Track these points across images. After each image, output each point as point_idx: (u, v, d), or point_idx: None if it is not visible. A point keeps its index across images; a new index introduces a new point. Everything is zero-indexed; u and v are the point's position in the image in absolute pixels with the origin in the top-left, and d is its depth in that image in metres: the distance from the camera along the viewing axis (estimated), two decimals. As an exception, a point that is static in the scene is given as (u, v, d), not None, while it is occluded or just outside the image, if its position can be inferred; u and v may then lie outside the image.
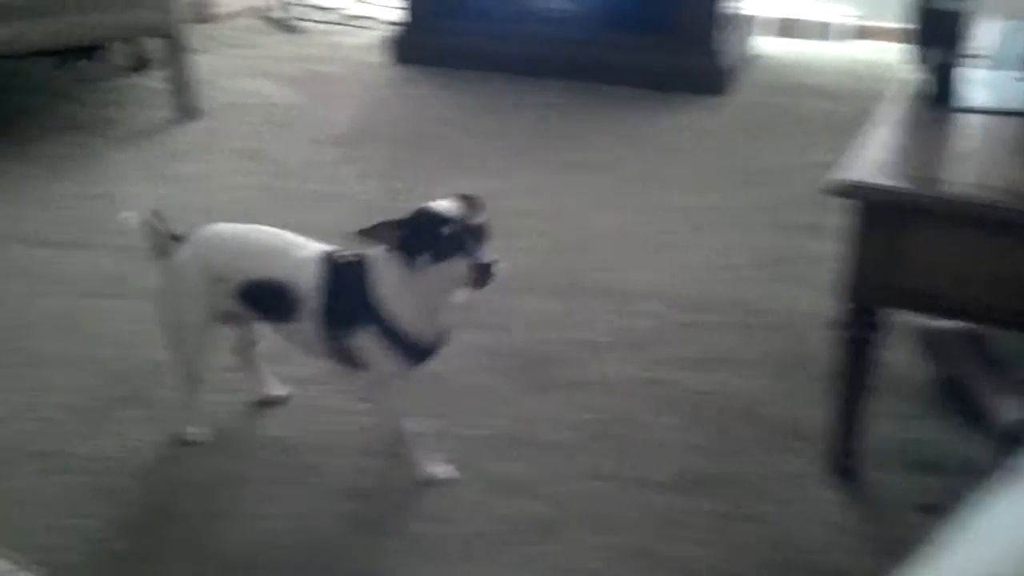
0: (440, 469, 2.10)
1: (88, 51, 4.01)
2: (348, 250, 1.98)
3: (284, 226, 2.10)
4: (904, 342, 2.35)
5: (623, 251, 2.98)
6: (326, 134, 3.78)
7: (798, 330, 2.59)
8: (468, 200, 1.92)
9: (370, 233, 1.88)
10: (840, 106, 3.99)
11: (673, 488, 2.08)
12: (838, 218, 1.92)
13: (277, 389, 2.33)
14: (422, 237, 1.86)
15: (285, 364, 2.36)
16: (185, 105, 3.87)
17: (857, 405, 2.03)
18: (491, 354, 2.50)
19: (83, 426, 2.25)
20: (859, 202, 1.83)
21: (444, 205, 1.89)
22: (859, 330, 1.95)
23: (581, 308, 2.69)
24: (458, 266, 1.84)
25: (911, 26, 2.09)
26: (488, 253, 1.86)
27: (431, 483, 2.08)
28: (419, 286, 1.90)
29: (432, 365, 2.40)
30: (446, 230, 1.84)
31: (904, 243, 1.83)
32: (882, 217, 1.82)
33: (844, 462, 2.09)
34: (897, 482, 2.09)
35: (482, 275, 1.84)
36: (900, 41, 4.42)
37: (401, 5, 4.54)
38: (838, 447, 2.08)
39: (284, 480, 2.10)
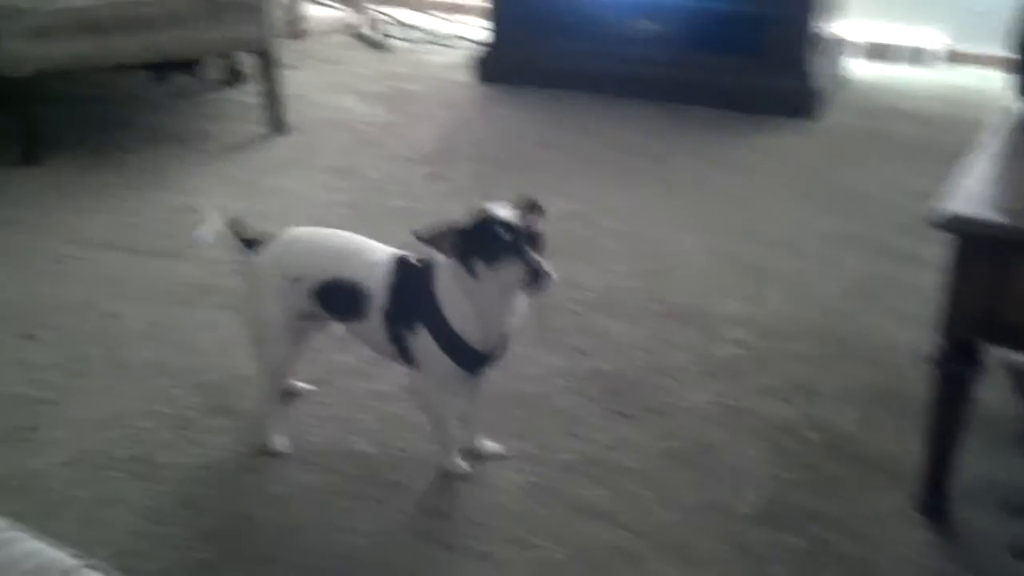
0: (463, 467, 2.17)
1: (185, 65, 4.10)
2: (419, 254, 2.04)
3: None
4: (997, 378, 2.28)
5: (709, 275, 2.95)
6: (412, 151, 3.81)
7: (888, 362, 2.53)
8: (528, 203, 1.96)
9: (427, 236, 1.93)
10: (935, 132, 3.92)
11: (758, 521, 2.04)
12: (934, 248, 1.88)
13: (300, 385, 2.42)
14: (478, 241, 1.90)
15: (372, 380, 2.39)
16: (277, 120, 3.94)
17: (950, 443, 1.97)
18: (573, 377, 2.49)
19: (169, 435, 2.29)
20: (957, 235, 1.78)
21: (502, 209, 1.92)
22: (955, 365, 1.90)
23: (664, 332, 2.67)
24: (512, 270, 1.87)
25: (1013, 55, 2.04)
26: (542, 258, 1.87)
27: (452, 477, 2.16)
28: (477, 292, 1.94)
29: (513, 385, 2.43)
30: (501, 233, 1.87)
31: (1004, 278, 1.78)
32: (981, 251, 1.78)
33: (934, 501, 2.03)
34: (988, 524, 2.02)
35: (534, 279, 1.85)
36: (993, 67, 4.35)
37: (487, 24, 4.57)
38: (928, 485, 2.03)
39: (364, 495, 2.11)
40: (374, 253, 2.09)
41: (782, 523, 2.04)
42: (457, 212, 3.19)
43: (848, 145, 3.84)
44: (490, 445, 2.24)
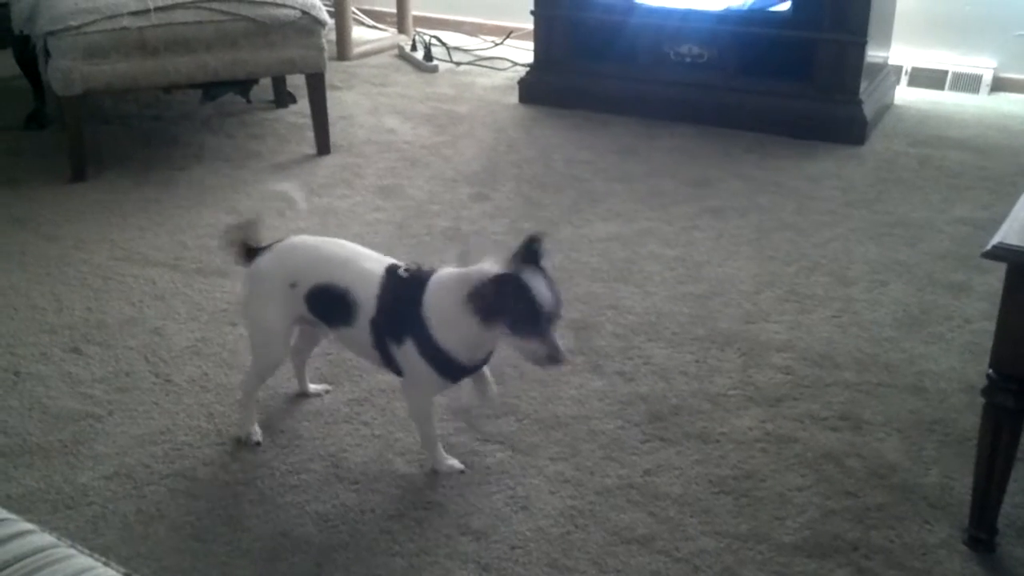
0: (450, 463, 2.23)
1: (235, 85, 4.15)
2: (412, 266, 2.11)
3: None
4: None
5: (753, 300, 2.92)
6: (457, 172, 3.83)
7: (935, 392, 2.50)
8: (537, 242, 1.99)
9: (476, 298, 1.93)
10: (983, 160, 3.87)
11: (800, 550, 2.01)
12: (983, 277, 1.85)
13: (314, 388, 2.50)
14: (514, 313, 1.94)
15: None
16: (324, 140, 3.97)
17: (999, 475, 1.93)
18: (613, 400, 2.47)
19: (211, 451, 2.31)
20: (1010, 265, 1.75)
21: (543, 285, 1.95)
22: (1005, 398, 1.86)
23: (708, 358, 2.65)
24: (532, 347, 1.97)
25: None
26: (560, 338, 1.99)
27: (440, 474, 2.22)
28: (473, 324, 1.97)
29: (552, 407, 2.42)
30: (535, 312, 1.94)
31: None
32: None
33: (981, 534, 1.99)
34: (1037, 559, 1.98)
35: (550, 362, 1.98)
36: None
37: (532, 47, 4.58)
38: (976, 518, 1.99)
39: (403, 515, 2.11)
40: (368, 262, 2.16)
41: (825, 553, 2.01)
42: (501, 232, 3.25)
43: (896, 172, 3.80)
44: (450, 463, 2.26)
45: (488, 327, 1.97)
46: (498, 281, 1.93)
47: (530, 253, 1.99)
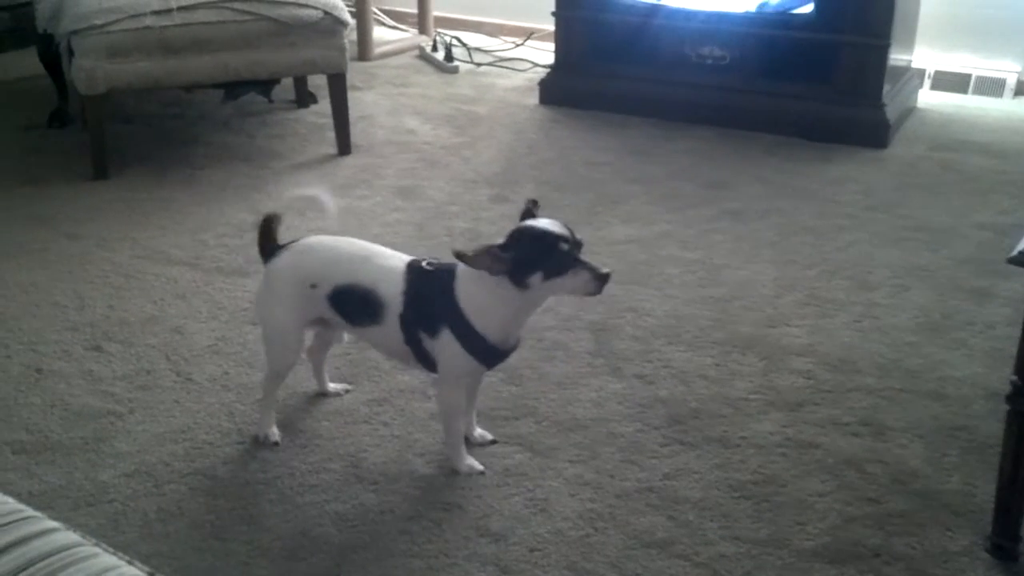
0: (470, 463, 2.23)
1: (257, 85, 4.16)
2: (432, 260, 2.14)
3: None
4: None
5: (774, 305, 2.91)
6: (476, 173, 3.83)
7: (957, 399, 2.48)
8: (535, 205, 2.10)
9: (469, 257, 1.99)
10: (1010, 165, 3.84)
11: (821, 557, 2.00)
12: (1006, 283, 1.84)
13: (333, 387, 2.51)
14: (536, 257, 1.99)
15: (431, 401, 2.39)
16: (345, 141, 3.98)
17: (1021, 483, 1.92)
18: (634, 404, 2.47)
19: (231, 450, 2.31)
20: (1034, 271, 1.74)
21: (549, 223, 2.02)
22: (1028, 405, 1.85)
23: (728, 361, 2.64)
24: (579, 278, 1.99)
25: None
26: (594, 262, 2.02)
27: (459, 474, 2.22)
28: (511, 299, 2.03)
29: (570, 409, 2.42)
30: (564, 248, 1.99)
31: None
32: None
33: (1004, 541, 1.98)
34: (1061, 568, 1.97)
35: (602, 281, 2.00)
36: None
37: (552, 48, 4.58)
38: (999, 525, 1.98)
39: (422, 516, 2.11)
40: (387, 260, 2.17)
41: (846, 559, 2.00)
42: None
43: (918, 176, 3.78)
44: (481, 433, 2.33)
45: (523, 287, 2.00)
46: (512, 236, 2.01)
47: (529, 216, 2.08)
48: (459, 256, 1.99)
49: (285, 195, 3.32)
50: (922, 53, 4.55)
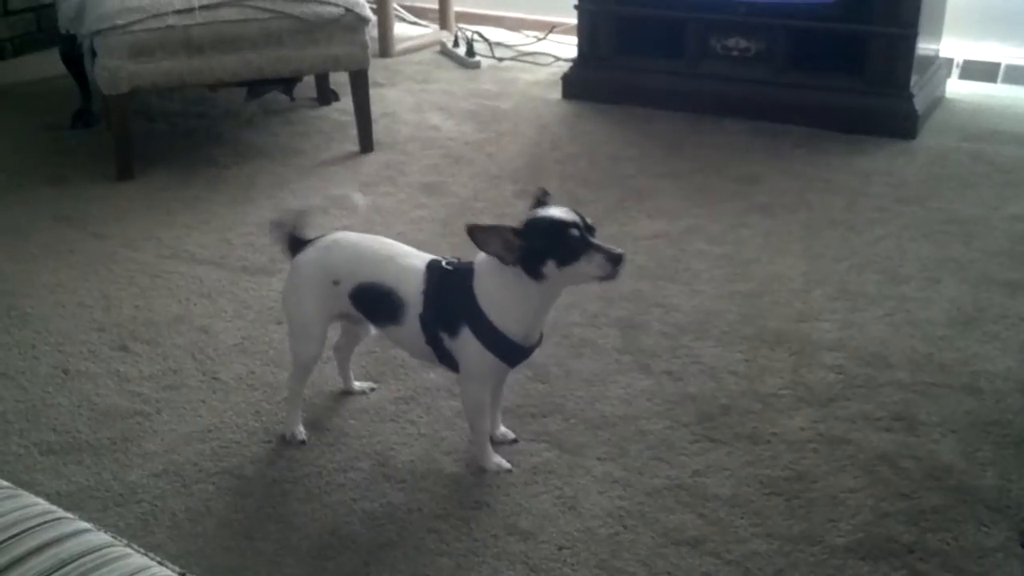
0: (497, 462, 2.23)
1: (280, 82, 4.16)
2: (453, 259, 2.13)
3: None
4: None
5: (805, 299, 2.88)
6: (500, 168, 3.81)
7: (991, 393, 2.44)
8: (546, 195, 2.07)
9: (481, 234, 1.97)
10: (1039, 155, 3.79)
11: (853, 553, 1.98)
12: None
13: (359, 385, 2.51)
14: (548, 245, 1.96)
15: (458, 399, 2.38)
16: (368, 138, 3.97)
17: (1060, 478, 1.89)
18: (663, 400, 2.45)
19: (259, 449, 2.31)
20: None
21: (558, 211, 2.00)
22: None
23: (758, 357, 2.61)
24: (593, 263, 1.95)
25: None
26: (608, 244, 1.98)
27: (487, 472, 2.22)
28: (530, 292, 2.02)
29: (599, 406, 2.40)
30: (575, 234, 1.96)
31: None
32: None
33: (1042, 538, 1.95)
34: (1100, 565, 1.93)
35: (617, 265, 1.95)
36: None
37: (576, 41, 4.55)
38: (1035, 522, 1.95)
39: (451, 514, 2.10)
40: (409, 259, 2.17)
41: (879, 555, 1.97)
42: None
43: (948, 167, 3.73)
44: (504, 431, 2.31)
45: (539, 278, 1.98)
46: (523, 227, 1.99)
47: (540, 205, 2.05)
48: (471, 230, 1.97)
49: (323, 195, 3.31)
50: (950, 42, 4.50)
